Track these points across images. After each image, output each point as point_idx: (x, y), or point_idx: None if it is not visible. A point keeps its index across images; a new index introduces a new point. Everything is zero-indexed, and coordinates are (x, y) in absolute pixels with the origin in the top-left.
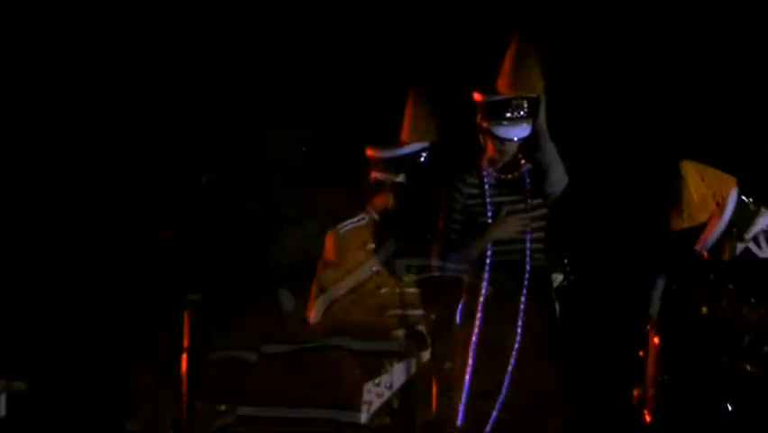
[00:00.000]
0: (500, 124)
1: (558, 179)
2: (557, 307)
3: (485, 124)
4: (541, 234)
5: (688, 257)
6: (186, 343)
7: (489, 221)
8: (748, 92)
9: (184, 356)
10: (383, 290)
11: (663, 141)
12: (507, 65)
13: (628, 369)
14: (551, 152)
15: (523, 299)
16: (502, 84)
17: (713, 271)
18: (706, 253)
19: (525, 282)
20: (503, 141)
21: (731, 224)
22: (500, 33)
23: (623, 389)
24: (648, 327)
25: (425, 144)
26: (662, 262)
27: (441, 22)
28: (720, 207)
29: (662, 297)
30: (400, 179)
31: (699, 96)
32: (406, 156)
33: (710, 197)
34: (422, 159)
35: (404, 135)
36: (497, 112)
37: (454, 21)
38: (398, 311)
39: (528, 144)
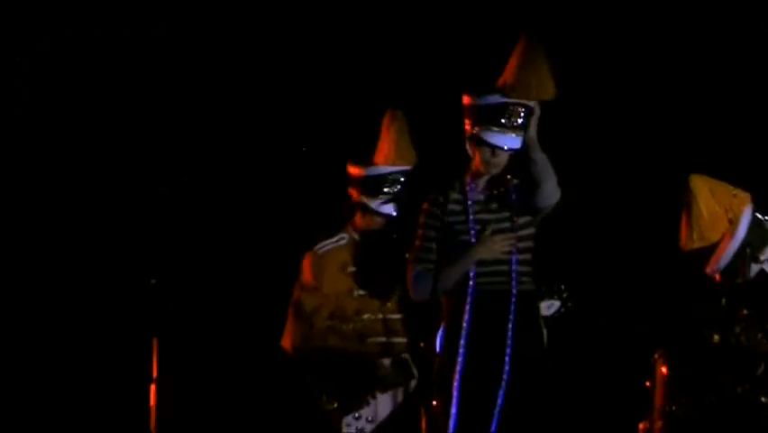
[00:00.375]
0: (491, 130)
1: (550, 192)
2: (545, 333)
3: (475, 130)
4: (528, 256)
5: (698, 280)
6: (154, 373)
7: (473, 240)
8: (758, 100)
9: (152, 387)
10: (365, 316)
11: (670, 152)
12: (515, 66)
13: (634, 401)
14: (542, 163)
15: (510, 325)
16: (509, 83)
17: (725, 295)
18: (718, 276)
19: (512, 308)
20: (494, 149)
21: (745, 243)
22: (485, 43)
23: (628, 422)
24: (655, 356)
25: (403, 168)
26: (670, 286)
27: (422, 34)
28: (733, 225)
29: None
30: (375, 203)
31: (708, 103)
32: (383, 176)
33: (722, 214)
34: (401, 181)
35: (378, 158)
36: (489, 117)
37: (436, 32)
38: (382, 338)
39: (517, 158)
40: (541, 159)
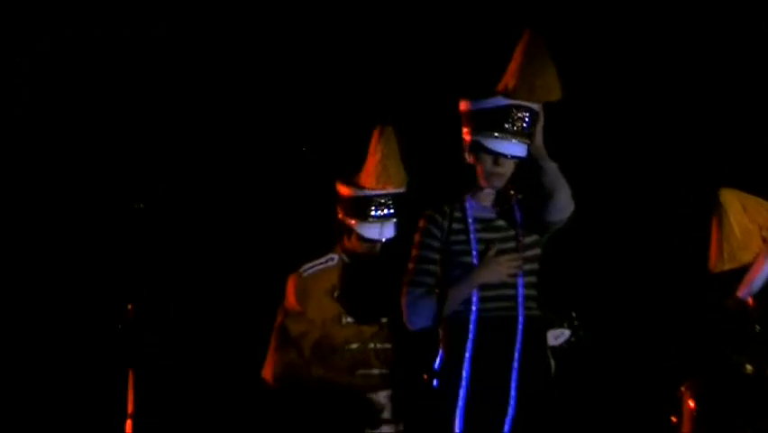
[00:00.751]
0: (493, 137)
1: (564, 204)
2: (553, 365)
3: (475, 138)
4: (534, 279)
5: (729, 305)
6: (130, 408)
7: (475, 261)
8: None
9: (128, 423)
10: (354, 346)
11: (697, 162)
12: (518, 66)
13: None
14: (553, 173)
15: (516, 355)
16: (511, 84)
17: (759, 322)
18: (750, 300)
19: (519, 336)
20: (496, 157)
21: None
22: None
23: None
24: (682, 389)
25: (393, 192)
26: (697, 311)
27: (416, 36)
28: None
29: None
30: (361, 226)
31: (743, 109)
32: (371, 199)
33: (756, 231)
34: (390, 205)
35: (364, 181)
36: (490, 122)
37: (432, 33)
38: (375, 370)
39: (521, 170)
40: (551, 168)
